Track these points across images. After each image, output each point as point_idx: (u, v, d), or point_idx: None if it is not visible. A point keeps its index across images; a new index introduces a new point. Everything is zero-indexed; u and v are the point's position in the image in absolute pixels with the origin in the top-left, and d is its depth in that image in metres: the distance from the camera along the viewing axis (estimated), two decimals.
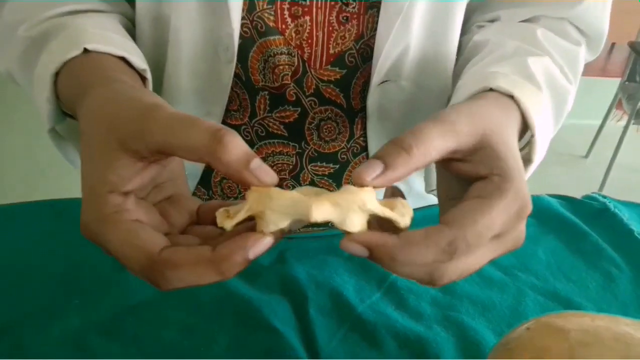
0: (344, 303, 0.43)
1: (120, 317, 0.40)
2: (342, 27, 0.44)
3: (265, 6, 0.43)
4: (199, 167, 0.51)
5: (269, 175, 0.26)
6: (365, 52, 0.46)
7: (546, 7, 0.48)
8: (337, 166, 0.51)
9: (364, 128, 0.50)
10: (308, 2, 0.43)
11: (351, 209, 0.27)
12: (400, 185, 0.56)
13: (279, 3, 0.43)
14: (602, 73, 2.87)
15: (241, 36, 0.44)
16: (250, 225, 0.28)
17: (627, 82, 2.19)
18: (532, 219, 0.56)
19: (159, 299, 0.42)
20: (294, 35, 0.44)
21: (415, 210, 0.59)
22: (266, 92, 0.47)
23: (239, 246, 0.26)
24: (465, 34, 0.49)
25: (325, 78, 0.47)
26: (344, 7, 0.44)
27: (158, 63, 0.46)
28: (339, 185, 0.52)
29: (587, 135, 2.37)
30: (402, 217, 0.28)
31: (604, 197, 0.58)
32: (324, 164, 0.50)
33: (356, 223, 0.28)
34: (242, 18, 0.43)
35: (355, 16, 0.44)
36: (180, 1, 0.42)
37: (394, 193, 0.31)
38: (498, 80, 0.35)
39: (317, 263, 0.47)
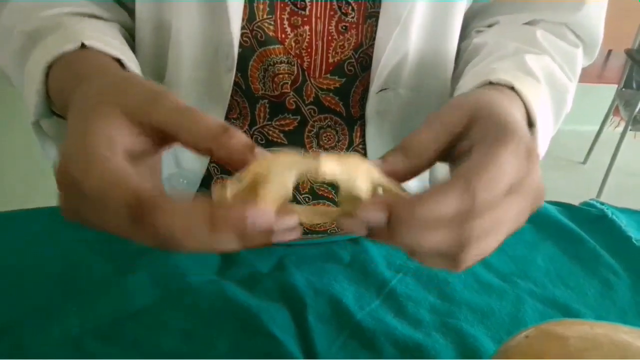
0: (343, 310, 0.43)
1: (120, 322, 0.41)
2: (341, 37, 0.45)
3: (265, 16, 0.43)
4: (199, 175, 0.51)
5: None
6: (364, 61, 0.46)
7: (546, 13, 0.49)
8: None
9: (363, 135, 0.50)
10: (307, 12, 0.44)
11: (359, 171, 0.26)
12: None
13: (278, 13, 0.43)
14: (599, 80, 2.88)
15: (241, 45, 0.44)
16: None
17: (623, 89, 2.20)
18: (530, 226, 0.56)
19: (158, 304, 0.42)
20: (293, 44, 0.45)
21: None
22: (266, 101, 0.48)
23: (240, 207, 0.24)
24: (464, 40, 0.49)
25: (325, 87, 0.47)
26: (343, 16, 0.44)
27: (157, 72, 0.46)
28: (338, 194, 0.52)
29: (585, 141, 2.38)
30: (404, 193, 0.28)
31: (602, 203, 0.59)
32: None
33: (364, 189, 0.26)
34: (242, 27, 0.43)
35: (354, 26, 0.44)
36: (181, 7, 0.42)
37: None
38: (498, 74, 0.36)
39: (316, 270, 0.47)
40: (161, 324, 0.41)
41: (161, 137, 0.27)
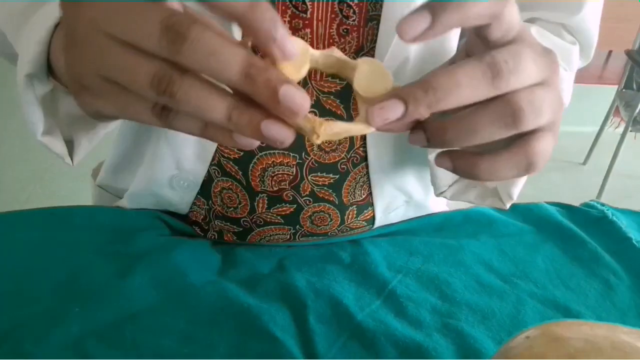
0: (344, 311, 0.43)
1: (120, 324, 0.41)
2: (342, 40, 0.45)
3: None
4: (199, 177, 0.51)
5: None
6: None
7: (545, 13, 0.49)
8: (337, 176, 0.51)
9: (364, 138, 0.50)
10: (308, 15, 0.44)
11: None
12: (400, 195, 0.56)
13: (279, 15, 0.43)
14: (600, 80, 2.88)
15: None
16: None
17: (624, 90, 2.20)
18: (531, 227, 0.56)
19: (159, 306, 0.43)
20: None
21: (415, 219, 0.59)
22: None
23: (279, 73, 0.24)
24: (462, 38, 0.50)
25: (326, 89, 0.47)
26: (344, 19, 0.44)
27: None
28: (339, 196, 0.52)
29: (585, 142, 2.38)
30: None
31: (602, 204, 0.59)
32: (324, 174, 0.51)
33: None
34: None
35: (355, 29, 0.44)
36: None
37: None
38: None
39: (317, 271, 0.48)
40: (162, 325, 0.41)
41: None
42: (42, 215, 0.51)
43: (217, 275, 0.47)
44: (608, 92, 2.34)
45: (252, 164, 0.50)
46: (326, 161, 0.50)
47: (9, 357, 0.37)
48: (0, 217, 0.50)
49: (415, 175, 0.56)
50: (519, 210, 0.57)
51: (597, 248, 0.53)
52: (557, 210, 0.58)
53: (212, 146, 0.49)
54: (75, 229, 0.49)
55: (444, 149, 0.31)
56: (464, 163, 0.30)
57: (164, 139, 0.49)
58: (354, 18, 0.44)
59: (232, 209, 0.53)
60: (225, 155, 0.50)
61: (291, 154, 0.50)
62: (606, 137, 2.27)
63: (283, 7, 0.43)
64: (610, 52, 3.20)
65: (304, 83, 0.47)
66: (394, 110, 0.27)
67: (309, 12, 0.44)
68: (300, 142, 0.50)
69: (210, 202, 0.53)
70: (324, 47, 0.45)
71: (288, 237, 0.55)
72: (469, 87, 0.26)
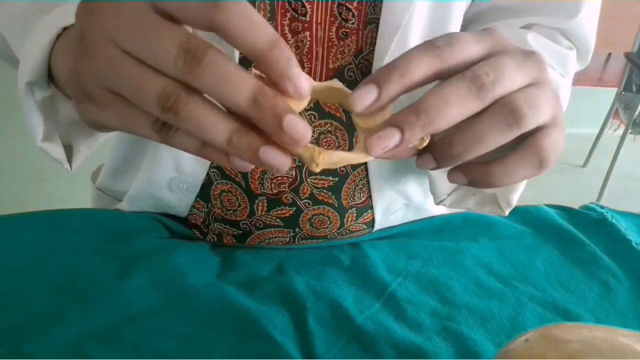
0: (343, 314, 0.43)
1: (119, 326, 0.41)
2: (341, 43, 0.45)
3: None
4: (199, 180, 0.51)
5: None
6: (365, 67, 0.46)
7: (541, 18, 0.49)
8: (337, 179, 0.51)
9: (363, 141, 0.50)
10: (308, 18, 0.44)
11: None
12: (400, 197, 0.56)
13: (279, 19, 0.43)
14: (599, 83, 2.89)
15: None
16: None
17: (623, 92, 2.21)
18: (530, 229, 0.56)
19: (158, 308, 0.43)
20: (294, 50, 0.45)
21: (414, 222, 0.59)
22: None
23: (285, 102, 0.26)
24: None
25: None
26: (343, 22, 0.44)
27: None
28: (338, 198, 0.52)
29: (585, 144, 2.39)
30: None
31: (602, 207, 0.59)
32: (324, 176, 0.51)
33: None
34: None
35: (354, 32, 0.45)
36: None
37: None
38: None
39: (316, 274, 0.48)
40: (161, 327, 0.41)
41: None
42: (42, 217, 0.51)
43: (216, 278, 0.47)
44: (607, 95, 2.34)
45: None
46: None
47: (8, 357, 0.37)
48: (0, 219, 0.50)
49: (414, 178, 0.56)
50: (518, 212, 0.57)
51: (596, 250, 0.53)
52: (557, 213, 0.58)
53: None
54: (74, 231, 0.49)
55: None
56: (477, 173, 0.31)
57: None
58: (353, 21, 0.44)
59: (231, 211, 0.53)
60: None
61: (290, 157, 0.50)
62: (606, 140, 2.28)
63: (282, 10, 0.43)
64: (609, 54, 3.20)
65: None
66: (391, 138, 0.27)
67: (308, 15, 0.44)
68: None
69: (210, 204, 0.54)
70: (323, 50, 0.45)
71: (287, 239, 0.55)
72: (456, 104, 0.27)
